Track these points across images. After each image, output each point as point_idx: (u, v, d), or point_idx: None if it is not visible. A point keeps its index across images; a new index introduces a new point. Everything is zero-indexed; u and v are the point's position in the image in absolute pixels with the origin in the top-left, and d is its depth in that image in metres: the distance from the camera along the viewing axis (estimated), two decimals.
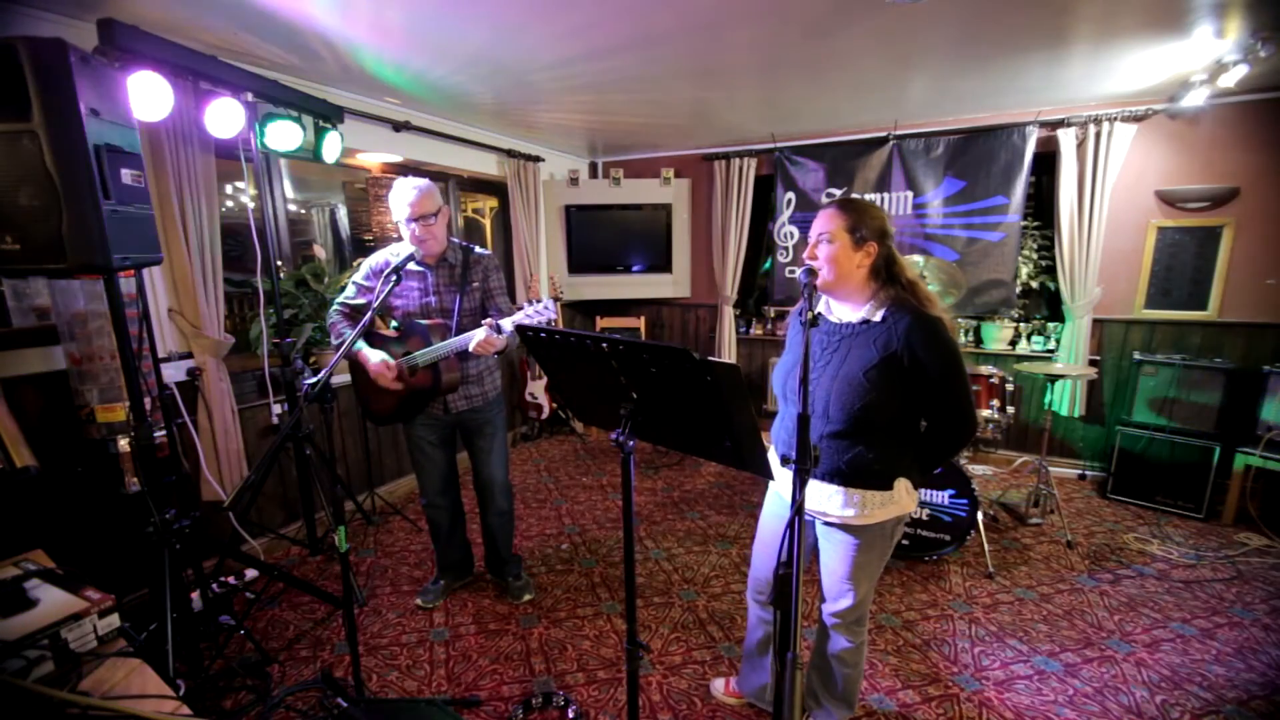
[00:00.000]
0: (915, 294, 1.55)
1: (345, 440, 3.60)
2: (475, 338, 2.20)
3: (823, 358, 1.60)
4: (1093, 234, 3.87)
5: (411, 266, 2.33)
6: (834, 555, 1.68)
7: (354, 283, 2.43)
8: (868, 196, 4.53)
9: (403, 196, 2.24)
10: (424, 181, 2.29)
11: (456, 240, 2.44)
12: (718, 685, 2.16)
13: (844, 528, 1.63)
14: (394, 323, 2.48)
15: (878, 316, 1.54)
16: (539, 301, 2.24)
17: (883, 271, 1.56)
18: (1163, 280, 3.88)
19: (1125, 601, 2.71)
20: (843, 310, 1.62)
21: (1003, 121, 4.03)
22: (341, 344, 2.14)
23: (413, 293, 2.39)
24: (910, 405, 1.55)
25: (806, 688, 1.93)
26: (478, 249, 2.48)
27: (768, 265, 5.22)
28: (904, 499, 1.60)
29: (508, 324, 2.22)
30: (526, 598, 2.77)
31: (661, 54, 2.83)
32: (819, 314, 1.66)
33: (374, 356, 2.29)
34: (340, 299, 2.44)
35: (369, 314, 2.03)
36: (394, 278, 2.10)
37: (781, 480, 1.72)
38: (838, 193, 4.63)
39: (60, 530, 2.29)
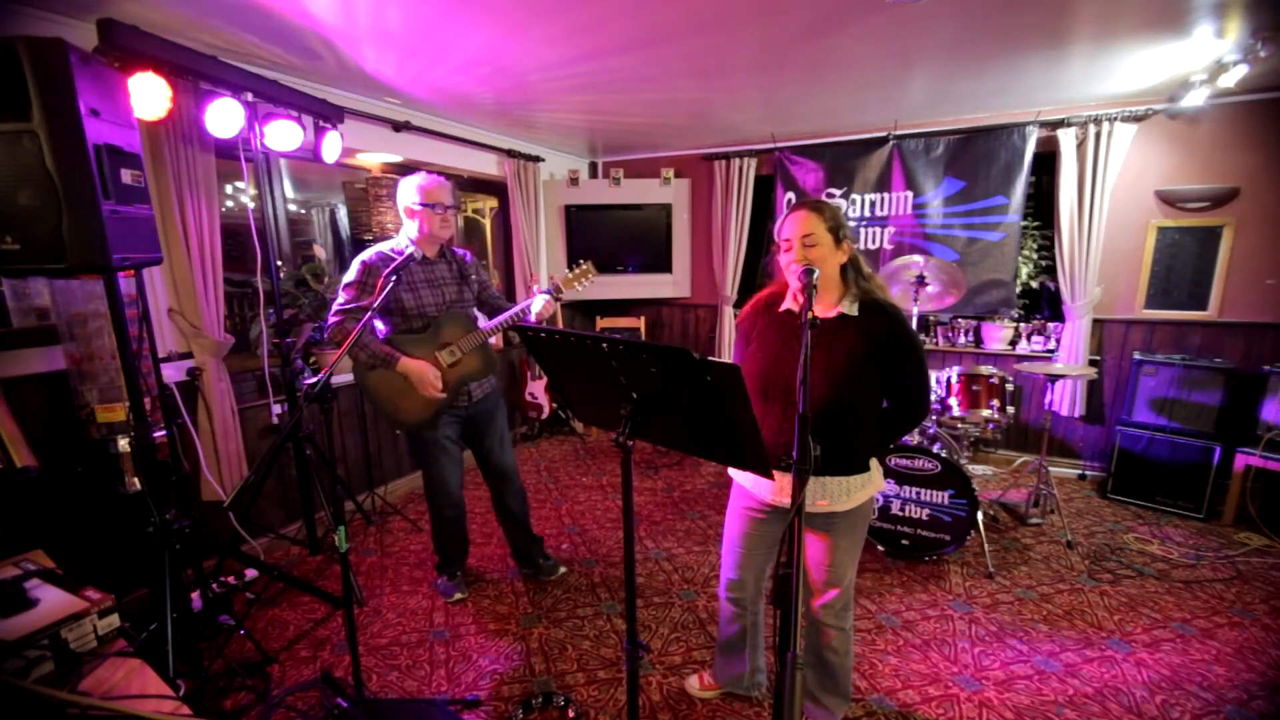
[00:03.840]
0: (874, 286, 1.63)
1: (345, 440, 3.60)
2: (535, 305, 2.37)
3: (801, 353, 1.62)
4: (1093, 234, 3.86)
5: (414, 265, 2.33)
6: (818, 546, 1.73)
7: (353, 284, 2.31)
8: (868, 196, 4.56)
9: (431, 182, 2.36)
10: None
11: None
12: (693, 682, 2.18)
13: (827, 516, 1.68)
14: (378, 322, 2.43)
15: (854, 311, 1.60)
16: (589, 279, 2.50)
17: (849, 268, 1.63)
18: (1163, 280, 3.88)
19: (1125, 601, 2.71)
20: (817, 307, 1.65)
21: (1003, 121, 4.03)
22: (370, 354, 2.26)
23: (422, 288, 2.39)
24: (881, 391, 1.64)
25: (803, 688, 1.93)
26: (454, 247, 2.58)
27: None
28: (877, 476, 1.72)
29: (563, 286, 2.46)
30: (561, 571, 2.91)
31: (662, 54, 2.82)
32: (791, 310, 1.68)
33: (416, 364, 2.31)
34: (339, 306, 2.32)
35: (368, 315, 2.01)
36: (394, 277, 2.08)
37: (747, 476, 1.77)
38: (838, 193, 4.64)
39: (60, 530, 2.29)
